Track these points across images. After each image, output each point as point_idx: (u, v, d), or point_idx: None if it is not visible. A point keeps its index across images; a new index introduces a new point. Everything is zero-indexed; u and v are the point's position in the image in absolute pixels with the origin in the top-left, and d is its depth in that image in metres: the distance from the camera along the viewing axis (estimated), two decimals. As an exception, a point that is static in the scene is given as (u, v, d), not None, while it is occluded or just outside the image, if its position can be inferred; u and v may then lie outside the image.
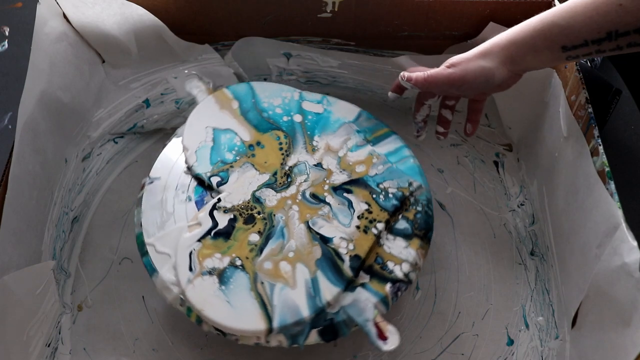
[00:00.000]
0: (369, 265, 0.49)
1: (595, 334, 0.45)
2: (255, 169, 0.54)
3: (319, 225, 0.50)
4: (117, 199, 0.64)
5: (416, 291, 0.58)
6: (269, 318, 0.45)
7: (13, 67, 0.72)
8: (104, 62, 0.66)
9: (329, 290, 0.47)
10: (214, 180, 0.52)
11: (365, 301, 0.47)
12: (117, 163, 0.67)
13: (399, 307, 0.57)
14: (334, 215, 0.51)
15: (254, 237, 0.49)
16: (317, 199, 0.52)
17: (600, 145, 0.49)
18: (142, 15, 0.61)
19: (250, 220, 0.50)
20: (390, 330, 0.45)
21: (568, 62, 0.45)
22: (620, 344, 0.41)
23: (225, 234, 0.49)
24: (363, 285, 0.48)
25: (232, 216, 0.50)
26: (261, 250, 0.49)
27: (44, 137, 0.54)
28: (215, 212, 0.50)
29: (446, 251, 0.61)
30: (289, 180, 0.53)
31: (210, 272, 0.47)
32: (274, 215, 0.51)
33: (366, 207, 0.52)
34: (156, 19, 0.62)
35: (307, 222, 0.50)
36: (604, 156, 0.48)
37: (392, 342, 0.45)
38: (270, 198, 0.52)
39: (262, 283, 0.47)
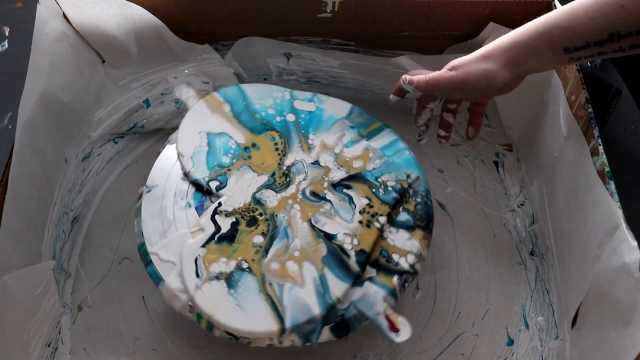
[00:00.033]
0: (374, 259, 0.49)
1: (595, 334, 0.45)
2: (253, 170, 0.54)
3: (322, 222, 0.51)
4: (117, 199, 0.64)
5: (416, 291, 0.58)
6: (280, 318, 0.45)
7: (13, 67, 0.72)
8: (104, 62, 0.66)
9: (337, 286, 0.47)
10: (213, 184, 0.52)
11: (374, 295, 0.47)
12: (117, 163, 0.67)
13: (399, 307, 0.57)
14: (335, 212, 0.51)
15: (258, 239, 0.49)
16: (318, 196, 0.52)
17: (600, 145, 0.49)
18: (142, 15, 0.61)
19: (252, 222, 0.50)
20: (401, 321, 0.45)
21: (570, 64, 0.45)
22: (620, 344, 0.41)
23: (229, 237, 0.49)
24: (370, 279, 0.48)
25: (234, 219, 0.50)
26: (266, 252, 0.49)
27: (44, 137, 0.55)
28: (217, 217, 0.50)
29: (446, 251, 0.61)
30: (287, 179, 0.53)
31: (217, 277, 0.47)
32: (276, 215, 0.51)
33: (367, 201, 0.52)
34: (156, 19, 0.62)
35: (310, 220, 0.51)
36: (604, 156, 0.48)
37: (404, 333, 0.45)
38: (271, 199, 0.52)
39: (271, 284, 0.47)
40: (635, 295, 0.40)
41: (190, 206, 0.52)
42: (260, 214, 0.51)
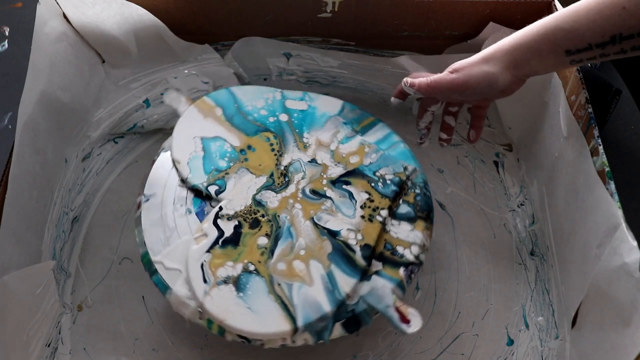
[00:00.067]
0: (379, 253, 0.50)
1: (595, 334, 0.45)
2: (251, 172, 0.54)
3: (325, 219, 0.51)
4: (117, 199, 0.64)
5: (416, 291, 0.58)
6: (292, 318, 0.45)
7: (13, 67, 0.72)
8: (104, 62, 0.66)
9: (345, 282, 0.47)
10: (212, 189, 0.52)
11: (382, 288, 0.47)
12: (117, 163, 0.67)
13: (399, 307, 0.57)
14: (337, 208, 0.51)
15: (263, 240, 0.49)
16: (318, 194, 0.52)
17: (600, 145, 0.49)
18: (142, 15, 0.61)
19: (255, 224, 0.50)
20: (411, 312, 0.46)
21: (572, 66, 0.45)
22: (620, 344, 0.41)
23: (233, 241, 0.49)
24: (377, 272, 0.48)
25: (236, 222, 0.50)
26: (272, 253, 0.49)
27: (44, 137, 0.54)
28: (219, 221, 0.50)
29: (446, 251, 0.61)
30: (286, 179, 0.53)
31: (225, 281, 0.47)
32: (279, 216, 0.51)
33: (367, 196, 0.52)
34: (156, 19, 0.62)
35: (312, 218, 0.51)
36: (604, 156, 0.48)
37: (415, 324, 0.45)
38: (272, 199, 0.52)
39: (279, 284, 0.47)
40: (635, 295, 0.40)
41: (190, 212, 0.51)
42: (263, 215, 0.51)
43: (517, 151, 0.68)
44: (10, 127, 0.66)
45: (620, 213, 0.44)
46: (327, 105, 0.59)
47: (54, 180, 0.57)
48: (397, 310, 0.46)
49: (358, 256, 0.49)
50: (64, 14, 0.60)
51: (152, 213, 0.51)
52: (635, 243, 0.41)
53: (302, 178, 0.54)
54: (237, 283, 0.47)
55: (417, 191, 0.53)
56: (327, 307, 0.46)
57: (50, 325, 0.53)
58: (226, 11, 0.63)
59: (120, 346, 0.54)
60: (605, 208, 0.45)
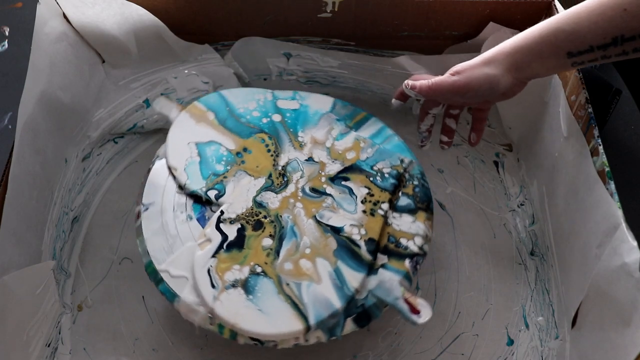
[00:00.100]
0: (383, 246, 0.50)
1: (595, 334, 0.45)
2: (249, 174, 0.54)
3: (327, 217, 0.51)
4: (117, 199, 0.64)
5: (416, 291, 0.58)
6: (304, 317, 0.45)
7: (13, 67, 0.72)
8: (104, 62, 0.66)
9: (353, 277, 0.47)
10: (212, 194, 0.52)
11: (389, 281, 0.48)
12: (117, 163, 0.67)
13: (399, 307, 0.57)
14: (338, 205, 0.52)
15: (267, 242, 0.49)
16: (318, 192, 0.53)
17: (600, 145, 0.49)
18: (142, 15, 0.61)
19: (258, 225, 0.50)
20: (421, 303, 0.46)
21: (573, 68, 0.45)
22: (620, 344, 0.41)
23: (238, 244, 0.49)
24: (383, 266, 0.49)
25: (239, 225, 0.50)
26: (277, 253, 0.49)
27: (44, 137, 0.54)
28: (221, 225, 0.50)
29: (446, 251, 0.61)
30: (285, 179, 0.53)
31: (233, 285, 0.47)
32: (281, 216, 0.51)
33: (367, 190, 0.53)
34: (156, 19, 0.62)
35: (315, 216, 0.51)
36: (604, 156, 0.48)
37: (426, 314, 0.45)
38: (272, 200, 0.52)
39: (288, 284, 0.47)
40: (635, 295, 0.40)
41: (191, 218, 0.51)
42: (265, 217, 0.51)
43: (517, 151, 0.68)
44: (10, 127, 0.66)
45: (620, 213, 0.44)
46: (319, 103, 0.60)
47: (54, 180, 0.57)
48: (407, 301, 0.46)
49: (363, 251, 0.49)
50: (64, 14, 0.60)
51: (152, 222, 0.51)
52: (635, 243, 0.41)
53: (301, 177, 0.54)
54: (246, 286, 0.47)
55: (415, 183, 0.54)
56: (337, 303, 0.46)
57: (50, 325, 0.53)
58: (226, 11, 0.63)
59: (120, 346, 0.54)
60: (605, 208, 0.45)
